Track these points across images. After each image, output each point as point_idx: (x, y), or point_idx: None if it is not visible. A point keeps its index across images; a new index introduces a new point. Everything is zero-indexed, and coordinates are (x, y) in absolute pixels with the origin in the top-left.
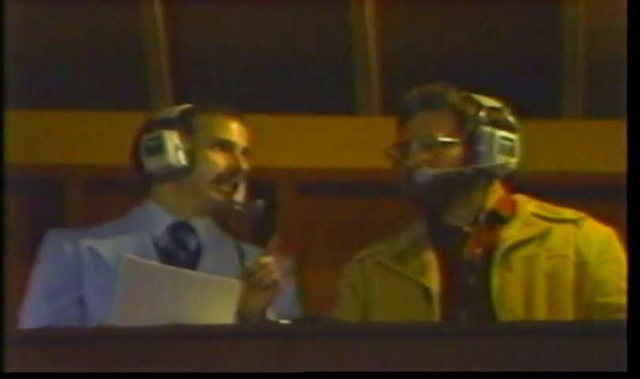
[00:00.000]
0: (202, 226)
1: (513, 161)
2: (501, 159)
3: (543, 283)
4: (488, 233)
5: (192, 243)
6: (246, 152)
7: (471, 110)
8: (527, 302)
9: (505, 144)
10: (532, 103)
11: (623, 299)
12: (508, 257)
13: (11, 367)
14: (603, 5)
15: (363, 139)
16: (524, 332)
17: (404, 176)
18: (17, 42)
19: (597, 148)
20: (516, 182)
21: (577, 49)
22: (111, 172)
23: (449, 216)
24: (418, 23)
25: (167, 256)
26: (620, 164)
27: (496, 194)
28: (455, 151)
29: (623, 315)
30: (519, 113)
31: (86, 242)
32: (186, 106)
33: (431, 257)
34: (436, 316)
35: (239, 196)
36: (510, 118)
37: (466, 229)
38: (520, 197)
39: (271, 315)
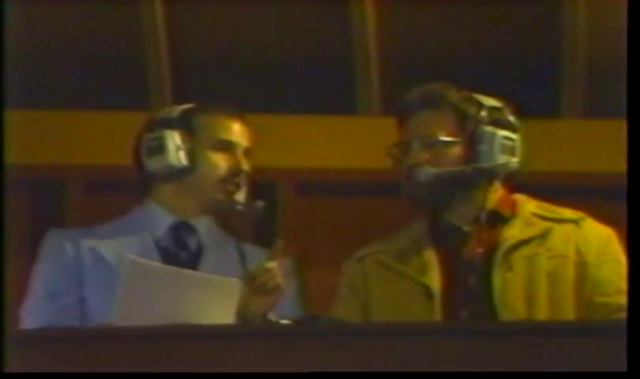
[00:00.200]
0: (203, 226)
1: (515, 161)
2: (502, 158)
3: (544, 282)
4: (489, 232)
5: (193, 243)
6: (247, 153)
7: (472, 110)
8: (528, 302)
9: (506, 144)
10: (532, 103)
11: (622, 299)
12: (509, 256)
13: (11, 367)
14: (603, 5)
15: (364, 139)
16: (524, 332)
17: (405, 175)
18: (17, 42)
19: (597, 148)
20: (516, 182)
21: (577, 49)
22: (112, 172)
23: (449, 216)
24: (418, 23)
25: (168, 256)
26: (620, 164)
27: (497, 194)
28: (456, 151)
29: (623, 315)
30: (519, 113)
31: (87, 242)
32: (187, 106)
33: (431, 257)
34: (437, 315)
35: (240, 196)
36: (511, 118)
37: (467, 228)
38: (520, 197)
39: (272, 315)
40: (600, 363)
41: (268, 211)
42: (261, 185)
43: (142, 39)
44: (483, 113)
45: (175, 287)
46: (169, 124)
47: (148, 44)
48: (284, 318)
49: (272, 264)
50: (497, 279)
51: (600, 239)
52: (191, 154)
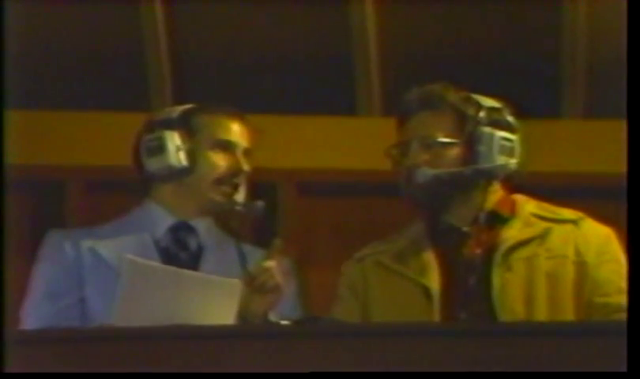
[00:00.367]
0: (203, 226)
1: (513, 162)
2: (501, 159)
3: (543, 283)
4: (488, 233)
5: (193, 244)
6: (247, 153)
7: (471, 111)
8: (527, 303)
9: (505, 145)
10: (532, 103)
11: (622, 299)
12: (508, 257)
13: (11, 367)
14: (603, 5)
15: (364, 139)
16: (524, 333)
17: (404, 176)
18: (17, 42)
19: (597, 148)
20: (516, 183)
21: (577, 49)
22: (112, 173)
23: (448, 216)
24: (418, 23)
25: (168, 256)
26: (620, 165)
27: (496, 194)
28: (454, 152)
29: (623, 315)
30: (519, 113)
31: (87, 243)
32: (187, 106)
33: (430, 257)
34: (436, 316)
35: (240, 196)
36: (510, 119)
37: (466, 229)
38: (519, 197)
39: (272, 316)
40: (600, 363)
41: (268, 211)
42: (262, 185)
43: (142, 39)
44: (481, 114)
45: (175, 288)
46: (169, 124)
47: (148, 45)
48: (283, 319)
49: (270, 264)
50: (496, 279)
51: (599, 239)
52: (191, 154)
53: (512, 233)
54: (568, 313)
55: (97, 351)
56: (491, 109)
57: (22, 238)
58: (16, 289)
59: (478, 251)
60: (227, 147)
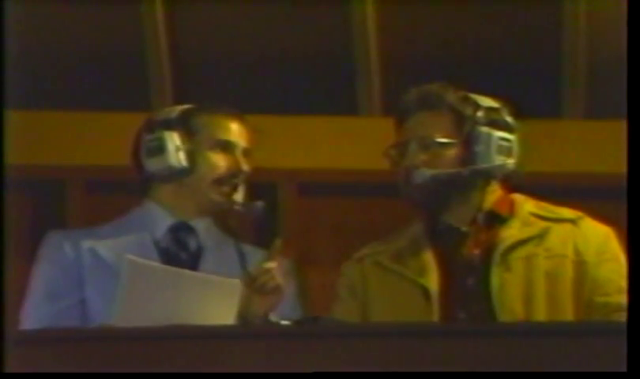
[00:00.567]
0: (202, 227)
1: (511, 162)
2: (499, 159)
3: (542, 282)
4: (487, 233)
5: (192, 244)
6: (246, 153)
7: (468, 111)
8: (526, 302)
9: (502, 145)
10: (533, 103)
11: (622, 299)
12: (507, 257)
13: (11, 367)
14: (603, 5)
15: (364, 139)
16: (524, 333)
17: (402, 177)
18: (17, 42)
19: (598, 148)
20: (514, 183)
21: (577, 49)
22: (112, 173)
23: (447, 217)
24: (418, 23)
25: (168, 256)
26: (621, 165)
27: (494, 194)
28: (453, 152)
29: (623, 314)
30: (519, 113)
31: (87, 243)
32: (187, 106)
33: (429, 258)
34: (435, 316)
35: (239, 196)
36: (508, 119)
37: (464, 229)
38: (518, 197)
39: (272, 316)
40: (600, 363)
41: (268, 211)
42: (262, 185)
43: (142, 39)
44: (479, 114)
45: (175, 288)
46: (168, 125)
47: (149, 45)
48: (283, 319)
49: (271, 265)
50: (495, 279)
51: (598, 238)
52: (190, 155)
53: (511, 232)
54: (567, 313)
55: (97, 351)
56: (489, 109)
57: (22, 238)
58: (16, 289)
59: (477, 251)
60: (226, 147)
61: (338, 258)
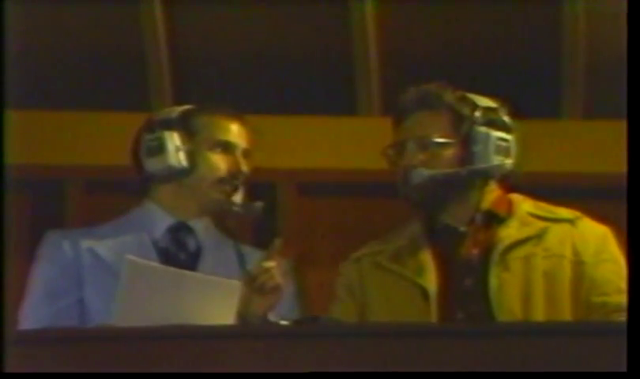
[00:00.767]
0: (201, 227)
1: (509, 162)
2: (497, 159)
3: (541, 282)
4: (485, 233)
5: (191, 244)
6: (246, 154)
7: (466, 111)
8: (525, 302)
9: (500, 145)
10: (532, 103)
11: (620, 299)
12: (505, 256)
13: (11, 367)
14: (603, 5)
15: (364, 139)
16: (523, 333)
17: (400, 177)
18: (17, 42)
19: (597, 148)
20: (515, 183)
21: (577, 49)
22: (111, 173)
23: (445, 216)
24: (418, 23)
25: (167, 257)
26: (620, 165)
27: (492, 194)
28: (450, 152)
29: (621, 315)
30: (519, 113)
31: (85, 243)
32: (186, 107)
33: (427, 258)
34: (433, 316)
35: (238, 197)
36: (506, 119)
37: (463, 229)
38: (516, 197)
39: (271, 316)
40: (600, 363)
41: (267, 211)
42: (261, 185)
43: (142, 39)
44: (477, 113)
45: (175, 288)
46: (168, 125)
47: (149, 45)
48: (282, 319)
49: (270, 264)
50: (493, 279)
51: (596, 239)
52: (190, 155)
53: (509, 232)
54: (566, 313)
55: (97, 351)
56: (487, 109)
57: (22, 238)
58: (16, 289)
59: (475, 251)
60: (226, 147)
61: (337, 258)
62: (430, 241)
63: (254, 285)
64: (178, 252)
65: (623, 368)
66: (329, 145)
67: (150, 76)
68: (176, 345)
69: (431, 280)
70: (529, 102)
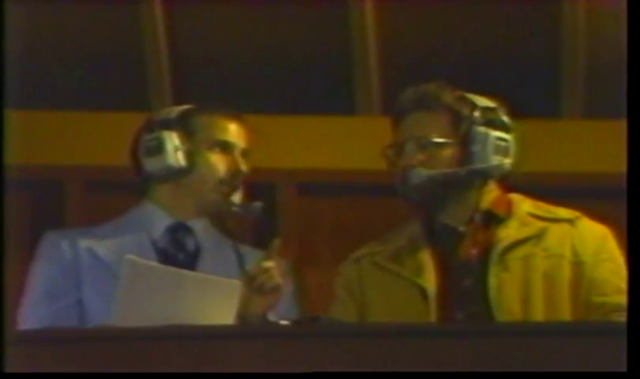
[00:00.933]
0: (200, 227)
1: (508, 162)
2: (495, 159)
3: (540, 282)
4: (484, 233)
5: (190, 244)
6: (245, 154)
7: (465, 111)
8: (524, 302)
9: (499, 145)
10: (532, 103)
11: (620, 299)
12: (504, 256)
13: (11, 367)
14: (603, 6)
15: (363, 139)
16: (523, 333)
17: (399, 177)
18: (17, 42)
19: (597, 148)
20: (514, 183)
21: (577, 49)
22: (111, 173)
23: (444, 216)
24: (418, 23)
25: (166, 257)
26: (620, 165)
27: (492, 194)
28: (449, 152)
29: (621, 315)
30: (519, 113)
31: (84, 243)
32: (186, 107)
33: (426, 258)
34: (432, 317)
35: (237, 197)
36: (505, 118)
37: (462, 229)
38: (515, 197)
39: (271, 316)
40: (599, 363)
41: (267, 211)
42: (261, 185)
43: (142, 39)
44: (476, 113)
45: (175, 288)
46: (167, 125)
47: (148, 45)
48: (281, 319)
49: (270, 264)
50: (493, 279)
51: (596, 239)
52: (189, 155)
53: (508, 232)
54: (565, 313)
55: (96, 352)
56: (486, 109)
57: (22, 238)
58: (16, 288)
59: (474, 251)
60: (225, 147)
61: (337, 258)
62: (429, 241)
63: (254, 285)
64: (177, 252)
65: (623, 368)
66: (328, 145)
67: (150, 76)
68: (176, 345)
69: (430, 280)
70: (529, 101)
